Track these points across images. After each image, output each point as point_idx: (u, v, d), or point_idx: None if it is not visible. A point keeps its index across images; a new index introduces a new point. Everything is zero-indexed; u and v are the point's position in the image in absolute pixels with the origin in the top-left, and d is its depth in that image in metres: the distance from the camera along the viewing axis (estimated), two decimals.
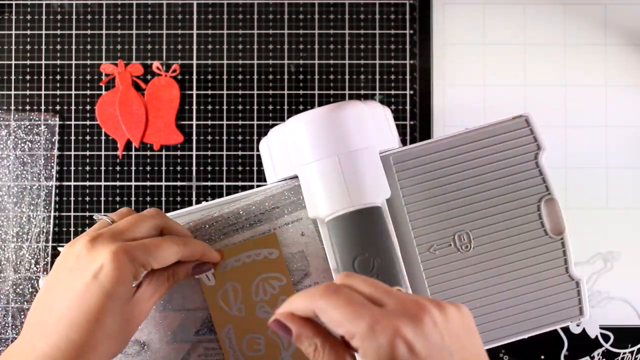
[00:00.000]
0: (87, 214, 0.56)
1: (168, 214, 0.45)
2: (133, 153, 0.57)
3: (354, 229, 0.39)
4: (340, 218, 0.40)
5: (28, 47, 0.57)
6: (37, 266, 0.56)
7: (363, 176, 0.40)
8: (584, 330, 0.54)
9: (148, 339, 0.43)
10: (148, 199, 0.56)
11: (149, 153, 0.57)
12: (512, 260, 0.42)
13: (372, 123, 0.42)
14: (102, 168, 0.57)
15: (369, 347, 0.29)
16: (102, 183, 0.57)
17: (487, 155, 0.42)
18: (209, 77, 0.57)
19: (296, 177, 0.43)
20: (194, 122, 0.57)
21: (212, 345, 0.43)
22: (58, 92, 0.57)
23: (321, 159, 0.40)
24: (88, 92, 0.57)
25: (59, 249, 0.41)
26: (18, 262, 0.56)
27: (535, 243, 0.42)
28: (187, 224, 0.43)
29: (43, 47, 0.57)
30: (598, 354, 0.55)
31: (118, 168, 0.57)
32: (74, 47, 0.57)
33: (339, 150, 0.40)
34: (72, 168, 0.57)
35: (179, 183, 0.56)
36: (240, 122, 0.57)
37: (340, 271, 0.40)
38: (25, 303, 0.56)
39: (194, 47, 0.57)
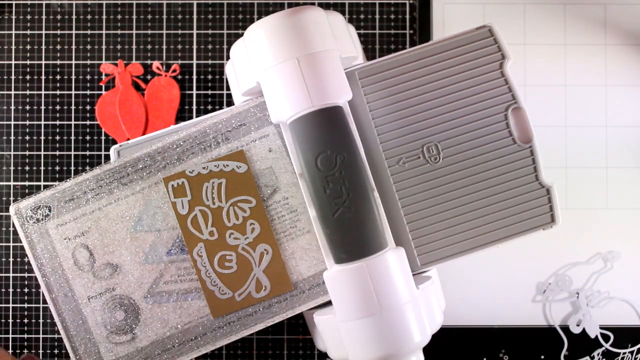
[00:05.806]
0: None
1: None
2: None
3: (316, 128, 0.40)
4: (301, 119, 0.40)
5: (28, 47, 0.57)
6: None
7: (323, 77, 0.40)
8: (584, 330, 0.55)
9: (120, 261, 0.43)
10: None
11: None
12: (482, 170, 0.42)
13: (329, 28, 0.42)
14: None
15: None
16: None
17: (453, 66, 0.43)
18: (209, 77, 0.57)
19: (261, 93, 0.43)
20: None
21: (184, 265, 0.44)
22: (58, 92, 0.57)
23: (281, 62, 0.40)
24: (88, 92, 0.57)
25: None
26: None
27: (504, 152, 0.42)
28: (155, 145, 0.43)
29: (43, 47, 0.57)
30: (598, 354, 0.55)
31: None
32: (74, 47, 0.57)
33: (299, 52, 0.40)
34: (72, 168, 0.57)
35: None
36: None
37: (305, 175, 0.40)
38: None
39: (194, 47, 0.57)
